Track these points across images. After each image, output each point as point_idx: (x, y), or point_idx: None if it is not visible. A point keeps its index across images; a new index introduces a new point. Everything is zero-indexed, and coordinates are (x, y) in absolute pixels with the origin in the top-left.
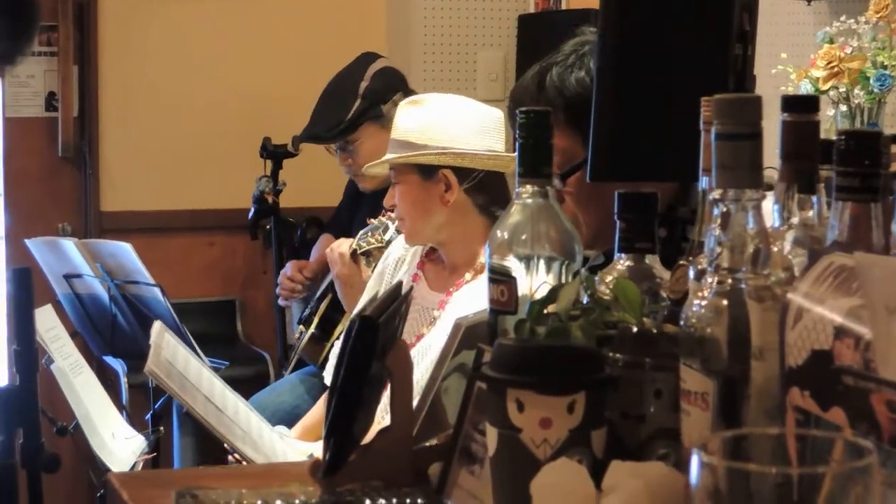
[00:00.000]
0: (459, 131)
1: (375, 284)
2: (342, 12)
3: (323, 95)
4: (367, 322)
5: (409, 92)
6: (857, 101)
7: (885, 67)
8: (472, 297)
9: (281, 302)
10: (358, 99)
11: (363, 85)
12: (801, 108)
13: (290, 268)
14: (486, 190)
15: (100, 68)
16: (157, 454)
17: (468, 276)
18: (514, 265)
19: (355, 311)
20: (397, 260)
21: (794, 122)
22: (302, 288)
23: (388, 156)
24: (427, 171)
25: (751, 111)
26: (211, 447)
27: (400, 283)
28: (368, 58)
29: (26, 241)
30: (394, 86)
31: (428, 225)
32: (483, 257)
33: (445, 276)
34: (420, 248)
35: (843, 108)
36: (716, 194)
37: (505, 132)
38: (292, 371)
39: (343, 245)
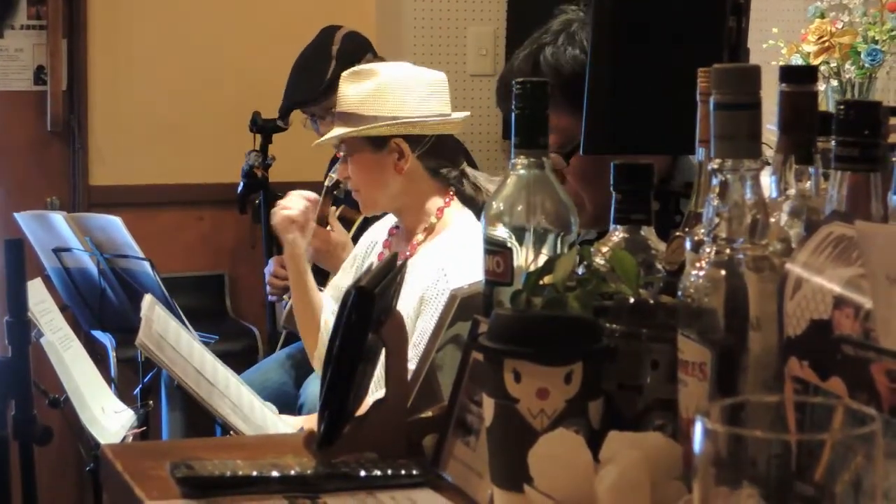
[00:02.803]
0: (406, 99)
1: (349, 267)
2: None
3: (295, 68)
4: (362, 293)
5: (377, 54)
6: (847, 76)
7: (875, 42)
8: (425, 262)
9: (271, 298)
10: (333, 60)
11: (335, 48)
12: (800, 78)
13: (273, 265)
14: (437, 153)
15: (89, 42)
16: (147, 428)
17: (420, 236)
18: (509, 236)
19: (337, 280)
20: (370, 243)
21: (792, 92)
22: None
23: (339, 130)
24: (378, 143)
25: (750, 81)
26: (199, 421)
27: (395, 255)
28: (331, 28)
29: (15, 214)
30: (364, 46)
31: (383, 194)
32: (433, 217)
33: (404, 242)
34: (387, 227)
35: (834, 82)
36: (714, 164)
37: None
38: (282, 347)
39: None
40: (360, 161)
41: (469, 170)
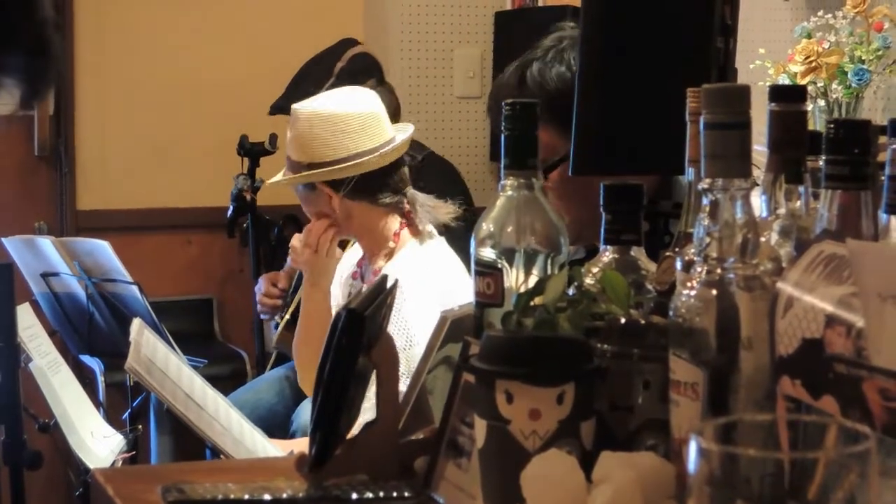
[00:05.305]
0: (321, 143)
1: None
2: (320, 9)
3: (299, 72)
4: (353, 316)
5: (382, 80)
6: (834, 96)
7: (862, 62)
8: None
9: (263, 317)
10: (332, 78)
11: (339, 65)
12: (789, 97)
13: (262, 284)
14: (367, 187)
15: (76, 66)
16: (136, 453)
17: (381, 262)
18: (499, 258)
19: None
20: (347, 266)
21: (781, 111)
22: (281, 301)
23: (278, 175)
24: (309, 185)
25: (740, 100)
26: (189, 446)
27: (385, 277)
28: (348, 42)
29: (3, 239)
30: (367, 70)
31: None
32: (391, 242)
33: (369, 266)
34: (359, 254)
35: (822, 102)
36: (704, 184)
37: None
38: (272, 368)
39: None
40: (304, 200)
41: (416, 196)
